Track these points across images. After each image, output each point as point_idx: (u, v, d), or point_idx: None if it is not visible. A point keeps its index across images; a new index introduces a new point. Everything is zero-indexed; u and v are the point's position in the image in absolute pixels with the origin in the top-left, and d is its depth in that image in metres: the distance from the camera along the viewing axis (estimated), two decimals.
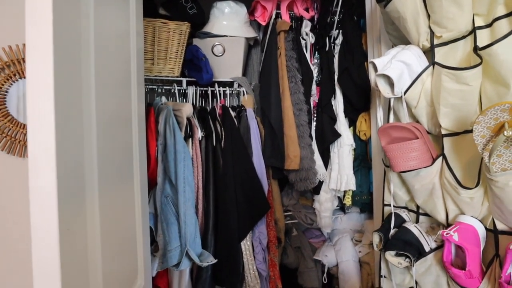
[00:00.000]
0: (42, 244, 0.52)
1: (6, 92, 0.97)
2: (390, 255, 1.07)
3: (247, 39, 1.64)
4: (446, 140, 1.00)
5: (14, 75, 0.97)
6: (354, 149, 1.57)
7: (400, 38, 1.16)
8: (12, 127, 0.97)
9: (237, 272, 1.32)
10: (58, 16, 0.53)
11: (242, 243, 1.36)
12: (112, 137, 0.80)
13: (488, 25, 0.91)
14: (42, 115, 0.53)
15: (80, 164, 0.62)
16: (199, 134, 1.37)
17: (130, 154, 0.94)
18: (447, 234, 0.91)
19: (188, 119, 1.35)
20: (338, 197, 1.67)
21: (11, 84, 0.97)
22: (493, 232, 0.91)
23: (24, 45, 0.96)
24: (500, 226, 0.90)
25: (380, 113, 1.18)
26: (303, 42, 1.60)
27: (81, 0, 0.64)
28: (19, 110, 0.98)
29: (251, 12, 1.68)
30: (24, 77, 0.97)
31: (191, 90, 1.54)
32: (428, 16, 1.01)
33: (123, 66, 0.90)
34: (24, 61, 0.97)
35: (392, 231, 1.12)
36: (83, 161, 0.63)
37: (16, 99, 0.97)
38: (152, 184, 1.29)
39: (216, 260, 1.23)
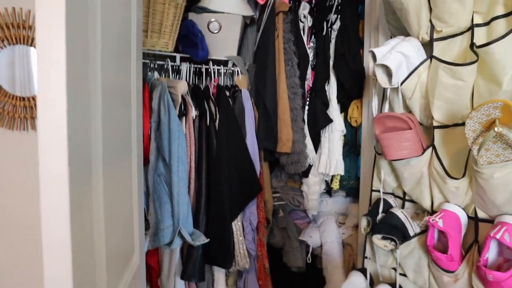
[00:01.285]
0: (53, 226, 0.51)
1: None
2: (377, 238, 1.13)
3: (244, 17, 1.60)
4: (436, 132, 1.05)
5: (2, 40, 0.90)
6: (344, 135, 1.61)
7: (399, 28, 1.18)
8: (0, 97, 0.92)
9: (228, 251, 1.35)
10: None
11: (233, 223, 1.39)
12: (115, 114, 0.78)
13: (486, 23, 0.94)
14: (54, 90, 0.50)
15: (88, 142, 0.60)
16: (193, 113, 1.35)
17: (129, 131, 0.92)
18: (432, 220, 0.97)
19: (182, 97, 1.32)
20: (326, 181, 1.72)
21: None
22: (474, 220, 0.98)
23: (13, 8, 0.89)
24: (481, 214, 0.97)
25: (375, 102, 1.21)
26: (301, 24, 1.58)
27: None
28: (7, 79, 0.91)
29: None
30: (13, 43, 0.91)
31: (184, 67, 1.49)
32: (430, 10, 1.02)
33: (124, 36, 0.86)
34: (13, 26, 0.90)
35: (379, 216, 1.18)
36: (90, 139, 0.61)
37: (5, 67, 0.90)
38: (144, 162, 1.27)
39: (208, 239, 1.25)
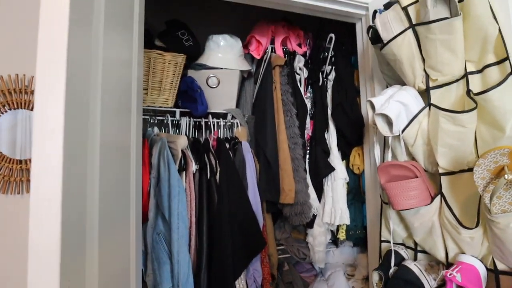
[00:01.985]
0: None
1: None
2: None
3: (242, 71, 1.66)
4: (443, 179, 1.02)
5: (4, 106, 0.91)
6: (348, 183, 1.58)
7: (395, 78, 1.21)
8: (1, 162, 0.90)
9: None
10: (71, 46, 0.51)
11: (236, 282, 1.30)
12: (113, 172, 0.75)
13: (479, 71, 0.97)
14: (49, 159, 0.48)
15: (83, 211, 0.57)
16: (193, 167, 1.33)
17: (127, 189, 0.89)
18: (450, 274, 0.90)
19: (182, 151, 1.31)
20: (331, 231, 1.65)
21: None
22: (493, 272, 0.92)
23: (16, 75, 0.91)
24: (500, 266, 0.91)
25: (377, 150, 1.20)
26: (297, 76, 1.63)
27: (92, 27, 0.62)
28: (7, 143, 0.91)
29: (245, 46, 1.71)
30: (15, 108, 0.92)
31: (184, 121, 1.51)
32: (423, 59, 1.06)
33: (125, 94, 0.87)
34: (15, 92, 0.91)
35: (391, 270, 1.11)
36: (85, 206, 0.58)
37: (5, 131, 0.90)
38: (142, 220, 1.22)
39: None
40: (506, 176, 0.78)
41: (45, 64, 0.49)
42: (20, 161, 0.91)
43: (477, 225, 0.92)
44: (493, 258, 0.92)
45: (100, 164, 0.64)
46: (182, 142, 1.28)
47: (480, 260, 0.95)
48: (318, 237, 1.58)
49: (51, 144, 0.49)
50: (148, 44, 1.47)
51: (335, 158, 1.55)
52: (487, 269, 0.94)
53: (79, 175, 0.56)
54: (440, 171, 1.02)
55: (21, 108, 0.91)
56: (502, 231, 0.83)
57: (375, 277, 1.14)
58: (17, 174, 0.91)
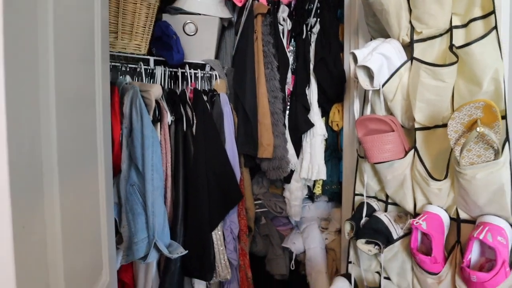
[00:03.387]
0: None
1: None
2: (361, 243, 1.10)
3: (222, 19, 1.55)
4: (418, 134, 1.04)
5: None
6: (326, 139, 1.59)
7: (379, 31, 1.17)
8: None
9: (208, 262, 1.28)
10: None
11: (213, 233, 1.32)
12: (74, 119, 0.70)
13: (464, 25, 0.95)
14: None
15: (37, 151, 0.53)
16: (168, 118, 1.28)
17: (94, 138, 0.84)
18: (416, 223, 0.95)
19: (156, 101, 1.25)
20: (308, 186, 1.69)
21: None
22: (456, 221, 0.97)
23: None
24: (463, 215, 0.96)
25: (357, 105, 1.19)
26: (280, 27, 1.55)
27: None
28: None
29: None
30: None
31: (159, 71, 1.42)
32: (410, 11, 1.02)
33: (86, 38, 0.79)
34: None
35: (363, 220, 1.16)
36: (40, 147, 0.54)
37: None
38: (115, 171, 1.18)
39: (187, 251, 1.17)
40: (478, 129, 0.79)
41: None
42: None
43: (445, 177, 0.96)
44: (456, 208, 0.97)
45: (56, 109, 0.58)
46: (155, 91, 1.21)
47: (445, 210, 1.00)
48: (295, 192, 1.62)
49: None
50: None
51: (314, 114, 1.53)
52: (451, 218, 0.99)
53: (29, 117, 0.51)
54: (416, 126, 1.03)
55: None
56: (468, 182, 0.87)
57: (347, 226, 1.19)
58: None
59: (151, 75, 1.46)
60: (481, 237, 0.82)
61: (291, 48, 1.64)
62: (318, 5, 1.57)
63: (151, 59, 1.43)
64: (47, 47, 0.56)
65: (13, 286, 0.44)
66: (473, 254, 0.88)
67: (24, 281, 0.46)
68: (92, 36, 0.83)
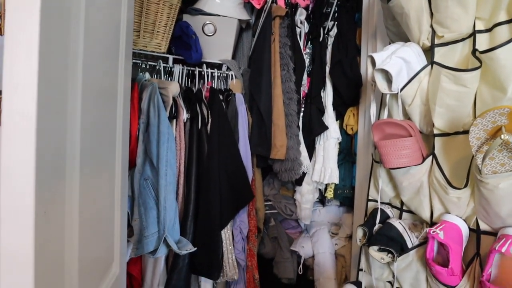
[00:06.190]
0: (14, 228, 0.44)
1: None
2: (373, 250, 1.08)
3: (240, 21, 1.57)
4: (437, 140, 1.01)
5: None
6: (340, 143, 1.57)
7: (399, 34, 1.15)
8: None
9: (216, 261, 1.27)
10: None
11: (222, 232, 1.32)
12: (97, 113, 0.72)
13: (488, 30, 0.92)
14: (22, 79, 0.44)
15: (62, 141, 0.54)
16: (184, 115, 1.30)
17: (113, 131, 0.86)
18: (433, 232, 0.92)
19: (173, 99, 1.26)
20: (319, 190, 1.67)
21: None
22: (475, 232, 0.94)
23: None
24: (483, 226, 0.92)
25: (373, 109, 1.17)
26: (297, 30, 1.55)
27: None
28: None
29: None
30: None
31: (177, 69, 1.44)
32: (431, 14, 1.00)
33: (112, 36, 0.82)
34: None
35: (376, 227, 1.13)
36: (65, 137, 0.55)
37: None
38: (130, 165, 1.20)
39: (196, 248, 1.17)
40: (502, 136, 0.77)
41: None
42: None
43: (465, 186, 0.93)
44: (476, 219, 0.93)
45: (82, 103, 0.60)
46: (173, 88, 1.23)
47: (464, 220, 0.96)
48: (306, 194, 1.60)
49: (24, 71, 0.44)
50: None
51: (329, 117, 1.52)
52: (470, 229, 0.95)
53: (58, 110, 0.52)
54: (435, 131, 1.00)
55: None
56: (490, 192, 0.84)
57: (359, 232, 1.17)
58: None
59: (169, 73, 1.48)
60: (503, 250, 0.79)
61: (308, 50, 1.64)
62: (336, 8, 1.57)
63: (170, 57, 1.45)
64: (78, 43, 0.58)
65: (31, 268, 0.45)
66: (493, 267, 0.85)
67: (42, 263, 0.47)
68: (117, 34, 0.86)
